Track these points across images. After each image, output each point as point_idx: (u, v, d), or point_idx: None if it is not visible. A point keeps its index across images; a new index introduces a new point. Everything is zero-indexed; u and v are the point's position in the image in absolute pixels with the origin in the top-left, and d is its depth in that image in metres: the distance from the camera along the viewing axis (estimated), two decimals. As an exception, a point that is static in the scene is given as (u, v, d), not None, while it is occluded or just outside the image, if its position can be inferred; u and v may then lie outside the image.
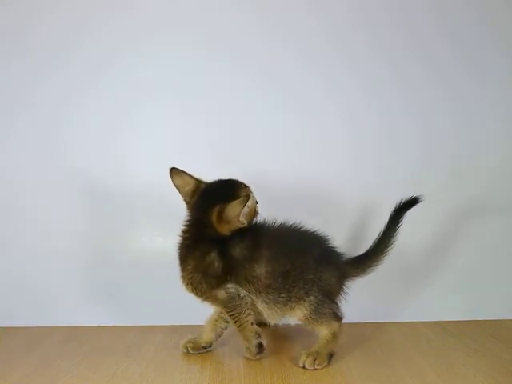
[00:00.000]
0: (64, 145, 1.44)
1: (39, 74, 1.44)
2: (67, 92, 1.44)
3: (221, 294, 1.15)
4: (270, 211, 1.21)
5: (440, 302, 1.46)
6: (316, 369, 1.12)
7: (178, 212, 1.43)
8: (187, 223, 1.20)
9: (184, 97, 1.44)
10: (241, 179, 1.20)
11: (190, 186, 1.20)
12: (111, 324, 1.44)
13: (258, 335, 1.18)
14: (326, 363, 1.14)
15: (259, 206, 1.22)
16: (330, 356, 1.16)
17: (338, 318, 1.19)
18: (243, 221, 1.14)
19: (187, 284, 1.18)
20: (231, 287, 1.15)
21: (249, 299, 1.16)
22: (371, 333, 1.35)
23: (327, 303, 1.17)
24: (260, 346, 1.17)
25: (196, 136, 1.45)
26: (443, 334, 1.35)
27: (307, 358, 1.13)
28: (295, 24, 1.44)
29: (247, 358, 1.19)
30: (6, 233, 1.44)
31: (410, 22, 1.45)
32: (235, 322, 1.17)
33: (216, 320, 1.26)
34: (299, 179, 1.45)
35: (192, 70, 1.44)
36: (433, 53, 1.46)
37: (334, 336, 1.17)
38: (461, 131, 1.46)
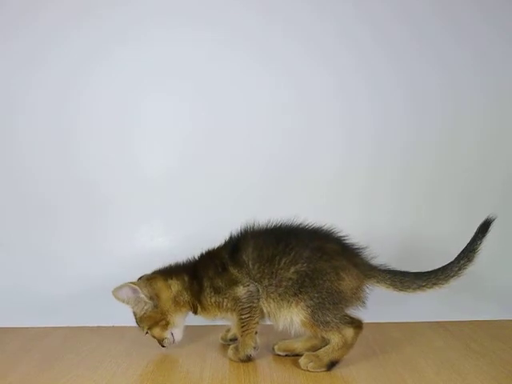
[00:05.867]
0: (72, 147, 1.44)
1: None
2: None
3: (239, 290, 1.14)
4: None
5: (440, 302, 1.45)
6: (309, 370, 1.11)
7: (179, 212, 1.44)
8: None
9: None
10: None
11: None
12: (111, 324, 1.44)
13: (256, 347, 1.16)
14: (322, 369, 1.11)
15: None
16: (332, 364, 1.12)
17: (352, 323, 1.13)
18: None
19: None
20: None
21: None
22: (371, 333, 1.34)
23: (328, 303, 1.11)
24: (249, 357, 1.16)
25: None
26: (443, 333, 1.35)
27: (304, 358, 1.13)
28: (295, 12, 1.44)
29: (230, 358, 1.18)
30: (6, 232, 1.44)
31: (412, 19, 1.45)
32: (243, 327, 1.15)
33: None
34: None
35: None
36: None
37: (345, 344, 1.11)
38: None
